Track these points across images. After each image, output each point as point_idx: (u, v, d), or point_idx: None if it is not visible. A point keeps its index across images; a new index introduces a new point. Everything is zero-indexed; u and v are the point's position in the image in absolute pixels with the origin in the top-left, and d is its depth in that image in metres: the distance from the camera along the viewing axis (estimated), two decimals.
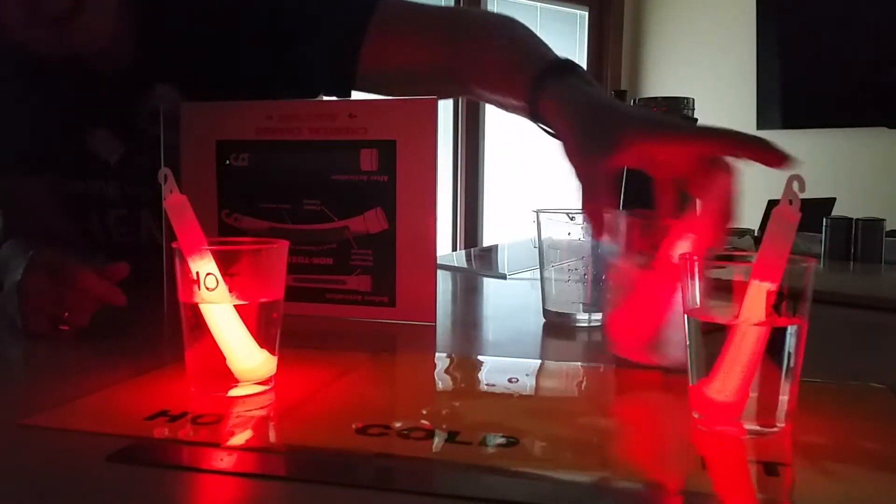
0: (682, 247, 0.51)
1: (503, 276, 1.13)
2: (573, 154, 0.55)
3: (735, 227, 0.55)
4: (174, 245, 0.51)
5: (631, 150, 0.54)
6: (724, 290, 0.44)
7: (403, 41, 0.85)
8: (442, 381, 0.60)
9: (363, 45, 0.84)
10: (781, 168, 0.48)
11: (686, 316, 0.46)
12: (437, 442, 0.44)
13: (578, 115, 0.58)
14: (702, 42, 3.59)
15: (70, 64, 0.88)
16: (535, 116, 0.68)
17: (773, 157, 0.48)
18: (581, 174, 0.54)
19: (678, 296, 0.48)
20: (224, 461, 0.42)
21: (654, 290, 0.52)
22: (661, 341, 0.52)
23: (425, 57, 0.83)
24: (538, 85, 0.64)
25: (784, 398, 0.44)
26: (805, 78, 3.21)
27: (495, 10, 3.46)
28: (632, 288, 0.53)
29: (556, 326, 0.78)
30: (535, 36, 0.80)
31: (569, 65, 0.67)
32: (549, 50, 0.75)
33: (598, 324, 0.78)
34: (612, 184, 0.54)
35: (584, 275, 0.77)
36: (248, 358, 0.52)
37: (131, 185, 0.93)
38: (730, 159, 0.51)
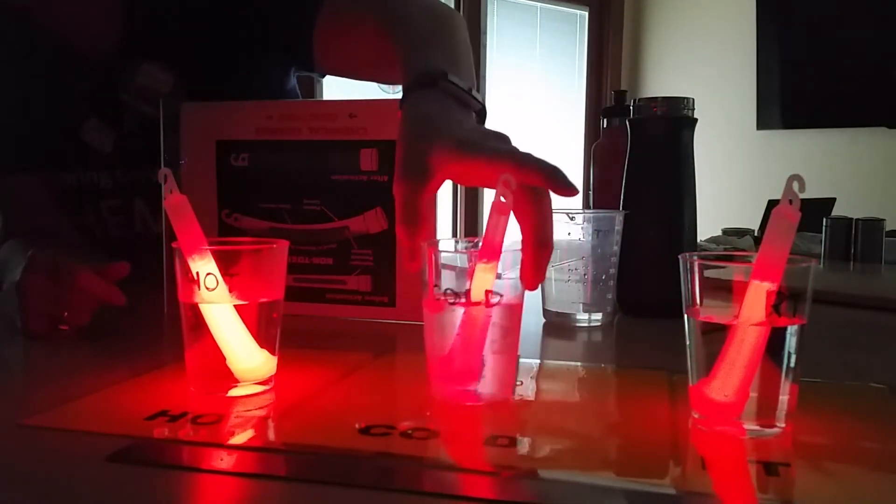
0: (486, 280, 0.48)
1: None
2: (395, 178, 0.55)
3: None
4: (174, 245, 0.51)
5: (442, 174, 0.54)
6: (724, 290, 0.44)
7: (352, 28, 0.89)
8: None
9: (316, 24, 0.89)
10: (568, 196, 0.50)
11: (686, 316, 0.47)
12: (440, 442, 0.44)
13: (402, 135, 0.58)
14: (702, 42, 3.59)
15: (58, 48, 0.89)
16: None
17: (563, 188, 0.49)
18: (396, 199, 0.54)
19: (495, 331, 0.48)
20: (224, 461, 0.42)
21: (471, 325, 0.48)
22: (484, 379, 0.49)
23: (371, 45, 0.84)
24: (403, 98, 0.63)
25: (784, 398, 0.44)
26: (805, 78, 3.21)
27: (495, 12, 3.45)
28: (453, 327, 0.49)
29: (556, 326, 0.78)
30: (464, 42, 0.81)
31: (434, 76, 0.62)
32: (462, 59, 0.75)
33: (598, 324, 0.78)
34: (426, 210, 0.54)
35: (584, 275, 0.77)
36: (248, 358, 0.52)
37: (123, 172, 0.94)
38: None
